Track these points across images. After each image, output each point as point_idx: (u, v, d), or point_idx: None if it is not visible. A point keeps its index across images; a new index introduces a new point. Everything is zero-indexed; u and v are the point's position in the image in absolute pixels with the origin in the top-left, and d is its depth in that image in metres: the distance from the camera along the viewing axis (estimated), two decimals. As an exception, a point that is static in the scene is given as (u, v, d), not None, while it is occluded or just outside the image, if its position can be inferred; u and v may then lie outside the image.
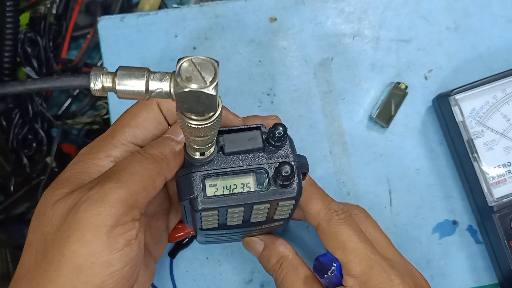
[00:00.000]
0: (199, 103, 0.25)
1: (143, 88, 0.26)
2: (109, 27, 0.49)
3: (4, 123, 0.57)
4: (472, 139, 0.44)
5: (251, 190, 0.33)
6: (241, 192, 0.33)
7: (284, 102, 0.48)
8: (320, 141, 0.48)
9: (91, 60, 0.60)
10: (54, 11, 0.59)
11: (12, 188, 0.57)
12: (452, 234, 0.48)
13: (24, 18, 0.59)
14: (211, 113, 0.27)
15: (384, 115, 0.47)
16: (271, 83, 0.49)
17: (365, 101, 0.49)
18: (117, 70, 0.27)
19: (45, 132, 0.57)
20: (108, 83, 0.27)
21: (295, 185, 0.33)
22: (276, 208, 0.35)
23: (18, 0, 0.52)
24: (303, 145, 0.48)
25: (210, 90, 0.25)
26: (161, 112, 0.35)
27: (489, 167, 0.44)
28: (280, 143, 0.33)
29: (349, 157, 0.48)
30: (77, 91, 0.59)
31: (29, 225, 0.32)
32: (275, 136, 0.33)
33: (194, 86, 0.25)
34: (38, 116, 0.57)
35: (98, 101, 0.59)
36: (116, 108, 0.48)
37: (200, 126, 0.27)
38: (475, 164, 0.44)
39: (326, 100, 0.49)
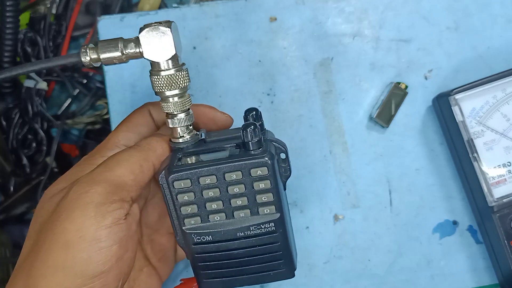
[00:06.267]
0: (158, 44, 0.33)
1: (119, 54, 0.34)
2: (109, 27, 0.49)
3: (4, 123, 0.57)
4: (472, 139, 0.44)
5: (222, 157, 0.34)
6: (211, 160, 0.34)
7: (284, 102, 0.48)
8: (320, 141, 0.48)
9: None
10: (54, 11, 0.59)
11: (12, 188, 0.58)
12: (452, 234, 0.47)
13: (24, 18, 0.59)
14: (171, 55, 0.33)
15: (384, 115, 0.47)
16: (271, 83, 0.49)
17: (365, 101, 0.49)
18: (98, 43, 0.34)
19: (45, 132, 0.57)
20: (94, 55, 0.34)
21: (266, 149, 0.34)
22: (253, 186, 0.34)
23: (18, 0, 0.52)
24: (303, 145, 0.48)
25: (163, 25, 0.33)
26: (152, 119, 0.39)
27: (489, 167, 0.44)
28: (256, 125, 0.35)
29: (349, 157, 0.48)
30: (77, 90, 0.59)
31: (30, 222, 0.34)
32: (247, 118, 0.36)
33: (150, 26, 0.33)
34: (38, 116, 0.57)
35: (98, 101, 0.59)
36: (116, 108, 0.48)
37: (173, 71, 0.34)
38: (475, 164, 0.44)
39: (326, 100, 0.49)
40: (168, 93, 0.34)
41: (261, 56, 0.49)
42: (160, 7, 0.57)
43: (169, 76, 0.34)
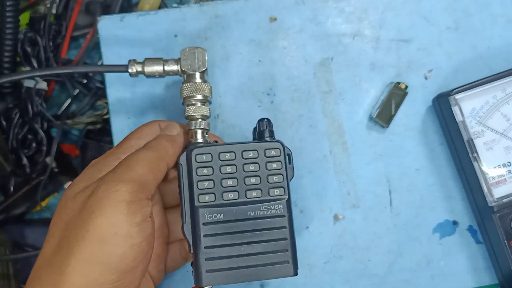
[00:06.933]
0: (194, 59, 0.41)
1: (161, 69, 0.42)
2: (109, 27, 0.49)
3: (4, 123, 0.57)
4: (472, 139, 0.44)
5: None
6: (230, 142, 0.38)
7: (284, 102, 0.48)
8: (320, 141, 0.48)
9: (90, 60, 0.60)
10: (54, 11, 0.59)
11: (12, 188, 0.58)
12: (452, 234, 0.47)
13: (24, 18, 0.59)
14: (203, 69, 0.41)
15: (384, 115, 0.47)
16: (271, 83, 0.49)
17: (365, 101, 0.49)
18: (144, 60, 0.42)
19: (45, 132, 0.57)
20: (139, 68, 0.42)
21: (276, 139, 0.39)
22: (266, 166, 0.38)
23: (18, 0, 0.52)
24: (303, 145, 0.48)
25: (200, 47, 0.42)
26: (161, 130, 0.40)
27: (489, 167, 0.44)
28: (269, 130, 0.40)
29: (349, 157, 0.48)
30: (77, 90, 0.59)
31: (51, 221, 0.34)
32: (260, 125, 0.40)
33: (191, 47, 0.42)
34: (38, 116, 0.57)
35: (98, 101, 0.59)
36: (116, 108, 0.48)
37: (200, 81, 0.41)
38: (475, 164, 0.44)
39: (326, 100, 0.49)
40: (195, 97, 0.40)
41: (261, 56, 0.49)
42: (160, 7, 0.57)
43: (199, 83, 0.41)
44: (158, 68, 0.42)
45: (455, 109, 0.45)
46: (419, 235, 0.47)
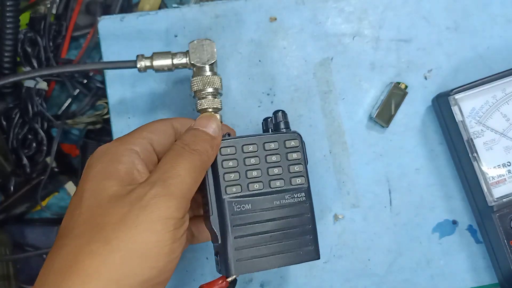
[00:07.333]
0: (203, 51, 0.41)
1: (170, 63, 0.41)
2: (109, 27, 0.49)
3: (4, 123, 0.57)
4: (471, 139, 0.44)
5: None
6: (250, 134, 0.39)
7: (284, 102, 0.48)
8: (320, 141, 0.48)
9: (91, 60, 0.60)
10: (54, 11, 0.59)
11: (12, 188, 0.58)
12: (452, 234, 0.48)
13: (24, 18, 0.59)
14: (212, 61, 0.41)
15: (384, 115, 0.47)
16: (271, 83, 0.49)
17: (365, 101, 0.49)
18: (152, 54, 0.41)
19: (45, 132, 0.57)
20: (148, 63, 0.41)
21: (292, 130, 0.40)
22: (287, 156, 0.39)
23: (18, 0, 0.52)
24: (303, 145, 0.48)
25: (208, 39, 0.42)
26: (174, 131, 0.39)
27: (489, 167, 0.44)
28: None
29: (349, 157, 0.48)
30: (77, 90, 0.59)
31: (72, 218, 0.33)
32: (277, 117, 0.41)
33: (198, 39, 0.42)
34: (38, 116, 0.57)
35: (98, 101, 0.59)
36: (116, 108, 0.48)
37: (210, 73, 0.41)
38: (474, 164, 0.44)
39: (326, 100, 0.49)
40: (207, 90, 0.40)
41: (261, 56, 0.49)
42: (160, 7, 0.57)
43: (210, 76, 0.41)
44: (167, 62, 0.41)
45: (455, 109, 0.45)
46: (418, 235, 0.47)
